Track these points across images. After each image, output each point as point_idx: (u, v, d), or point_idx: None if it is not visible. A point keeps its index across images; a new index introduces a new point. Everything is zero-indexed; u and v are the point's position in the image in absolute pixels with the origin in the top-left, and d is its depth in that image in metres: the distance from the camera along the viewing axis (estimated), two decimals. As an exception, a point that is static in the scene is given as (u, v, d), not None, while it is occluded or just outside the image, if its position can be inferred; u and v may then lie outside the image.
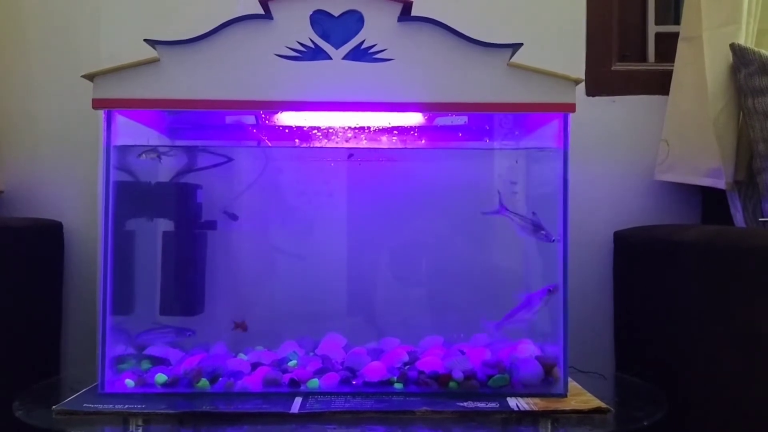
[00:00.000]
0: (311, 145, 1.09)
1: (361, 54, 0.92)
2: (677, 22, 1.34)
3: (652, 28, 1.42)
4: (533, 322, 1.01)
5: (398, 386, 0.95)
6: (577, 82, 0.93)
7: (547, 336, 1.01)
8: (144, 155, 0.99)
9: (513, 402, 0.90)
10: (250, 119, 1.10)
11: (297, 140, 1.09)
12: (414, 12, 0.93)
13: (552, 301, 0.96)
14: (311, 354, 1.03)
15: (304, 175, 1.16)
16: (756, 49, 1.15)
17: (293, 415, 0.86)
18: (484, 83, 0.92)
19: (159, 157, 1.00)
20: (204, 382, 0.94)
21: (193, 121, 1.10)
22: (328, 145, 1.08)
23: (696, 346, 0.98)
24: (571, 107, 0.93)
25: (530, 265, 1.08)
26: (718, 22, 1.21)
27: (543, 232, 0.98)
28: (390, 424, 0.84)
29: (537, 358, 0.98)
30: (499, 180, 1.09)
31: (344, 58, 0.92)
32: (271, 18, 0.92)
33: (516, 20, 1.34)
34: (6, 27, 1.33)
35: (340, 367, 0.98)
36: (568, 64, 1.32)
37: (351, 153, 1.07)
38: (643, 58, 1.43)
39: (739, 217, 1.19)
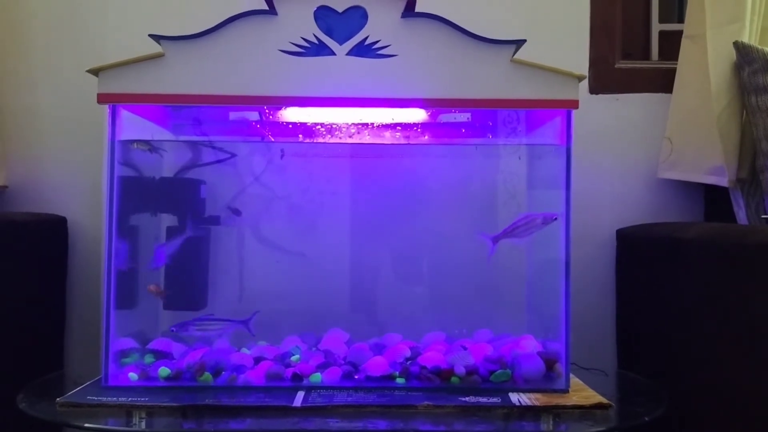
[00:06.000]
0: (315, 141, 1.09)
1: (364, 50, 0.92)
2: (681, 20, 1.34)
3: (656, 26, 1.42)
4: (534, 316, 1.02)
5: (400, 381, 0.95)
6: (580, 78, 0.93)
7: (549, 332, 1.01)
8: (136, 144, 0.99)
9: (515, 397, 0.91)
10: (254, 115, 1.10)
11: (300, 136, 1.09)
12: (418, 8, 0.94)
13: (554, 297, 0.96)
14: (314, 349, 1.04)
15: (307, 171, 1.17)
16: (760, 47, 1.15)
17: (296, 408, 0.86)
18: (487, 79, 0.92)
19: (151, 150, 1.00)
20: (207, 376, 0.95)
21: (197, 117, 1.10)
22: (332, 141, 1.08)
23: (698, 343, 0.98)
24: (574, 104, 0.93)
25: (532, 261, 1.08)
26: (722, 19, 1.21)
27: (540, 219, 0.97)
28: (392, 419, 0.84)
29: (539, 353, 0.98)
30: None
31: (348, 53, 0.92)
32: (275, 14, 0.92)
33: (519, 17, 1.34)
34: (10, 21, 1.34)
35: (343, 362, 0.98)
36: (572, 62, 1.32)
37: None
38: (647, 56, 1.43)
39: (741, 215, 1.19)
